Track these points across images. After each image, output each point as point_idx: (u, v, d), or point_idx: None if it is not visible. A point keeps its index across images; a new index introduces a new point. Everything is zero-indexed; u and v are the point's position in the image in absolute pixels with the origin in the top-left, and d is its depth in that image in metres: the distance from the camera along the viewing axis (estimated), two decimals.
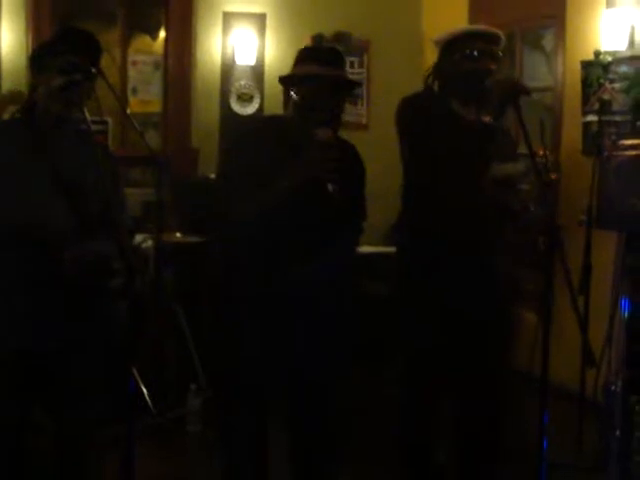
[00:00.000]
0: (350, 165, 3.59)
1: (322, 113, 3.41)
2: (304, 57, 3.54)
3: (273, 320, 3.53)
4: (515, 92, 3.65)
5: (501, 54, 3.98)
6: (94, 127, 3.26)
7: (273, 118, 3.84)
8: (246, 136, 3.72)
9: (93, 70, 3.24)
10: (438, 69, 4.06)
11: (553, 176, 6.07)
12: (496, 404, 4.08)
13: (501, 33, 3.99)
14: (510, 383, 4.23)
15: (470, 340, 3.96)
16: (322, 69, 3.43)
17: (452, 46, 3.96)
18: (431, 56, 6.94)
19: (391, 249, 6.75)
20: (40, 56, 3.30)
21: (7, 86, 6.72)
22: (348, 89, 3.68)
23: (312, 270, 3.51)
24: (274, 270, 3.50)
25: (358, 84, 3.87)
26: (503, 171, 3.77)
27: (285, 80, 3.56)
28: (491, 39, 3.95)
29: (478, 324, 3.95)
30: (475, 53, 3.89)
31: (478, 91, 3.83)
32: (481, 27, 4.04)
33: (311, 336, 3.58)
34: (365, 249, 6.82)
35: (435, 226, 3.94)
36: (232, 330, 3.65)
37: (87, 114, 3.18)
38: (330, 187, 3.32)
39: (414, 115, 3.97)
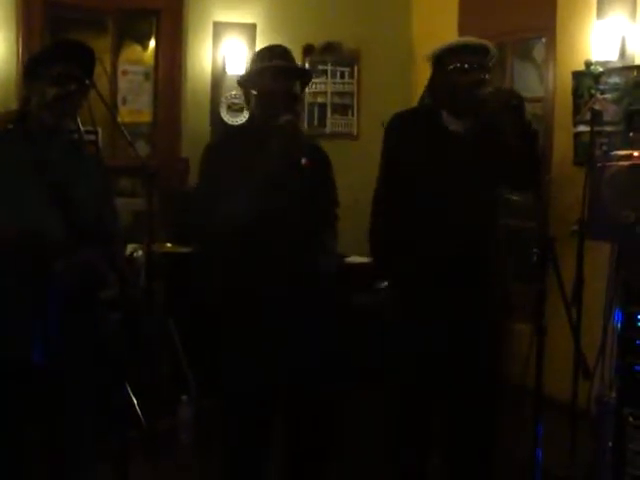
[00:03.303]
0: (313, 157, 3.74)
1: (281, 97, 3.69)
2: (260, 56, 3.84)
3: (264, 322, 3.63)
4: (511, 101, 3.69)
5: (491, 64, 3.99)
6: (85, 137, 3.25)
7: (235, 127, 4.08)
8: (214, 149, 3.97)
9: (87, 81, 3.23)
10: (431, 83, 4.09)
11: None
12: (487, 416, 4.09)
13: (490, 44, 3.99)
14: (501, 395, 4.22)
15: (461, 352, 3.96)
16: (272, 62, 3.75)
17: (442, 60, 3.98)
18: (422, 66, 6.97)
19: None
20: (34, 66, 3.29)
21: None
22: (299, 76, 3.87)
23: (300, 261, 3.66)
24: (265, 265, 3.63)
25: (307, 71, 4.02)
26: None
27: (244, 81, 3.86)
28: (480, 51, 3.96)
29: (469, 337, 3.95)
30: (465, 66, 3.90)
31: (470, 103, 3.86)
32: (470, 39, 4.04)
33: (303, 337, 3.68)
34: (353, 259, 6.82)
35: (419, 240, 3.97)
36: (226, 337, 3.76)
37: (80, 125, 3.18)
38: (303, 160, 3.53)
39: (387, 132, 4.12)
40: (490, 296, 4.02)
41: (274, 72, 3.74)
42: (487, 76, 3.92)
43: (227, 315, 3.77)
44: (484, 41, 3.99)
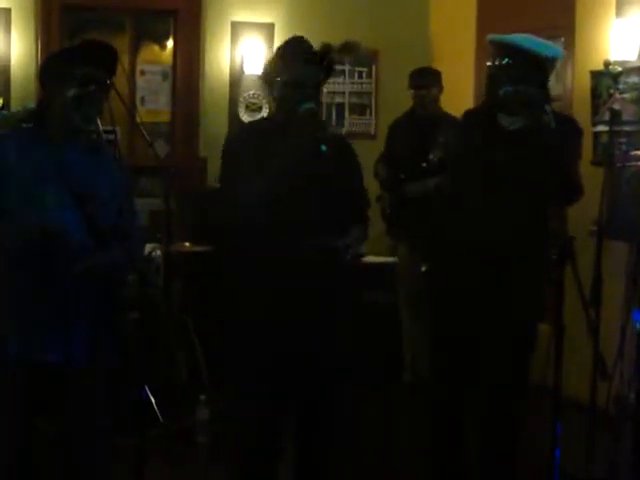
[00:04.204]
0: (340, 152, 3.79)
1: (307, 86, 3.71)
2: (283, 49, 3.85)
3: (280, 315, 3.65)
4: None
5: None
6: (104, 137, 3.26)
7: (258, 120, 4.07)
8: (235, 140, 3.95)
9: (108, 81, 3.24)
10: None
11: None
12: (512, 415, 4.11)
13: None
14: (525, 395, 4.23)
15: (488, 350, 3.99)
16: (302, 53, 3.77)
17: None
18: (439, 66, 6.98)
19: (393, 259, 6.81)
20: (54, 66, 3.30)
21: (16, 96, 6.73)
22: (327, 72, 3.89)
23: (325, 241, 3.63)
24: (288, 244, 3.62)
25: (331, 66, 4.03)
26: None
27: (266, 71, 3.87)
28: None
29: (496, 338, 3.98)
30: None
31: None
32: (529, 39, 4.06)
33: (321, 327, 3.70)
34: (368, 259, 6.82)
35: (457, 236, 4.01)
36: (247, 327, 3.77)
37: (100, 124, 3.18)
38: (323, 147, 3.53)
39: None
40: (529, 297, 4.03)
41: (305, 61, 3.75)
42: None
43: (244, 306, 3.78)
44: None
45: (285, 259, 3.61)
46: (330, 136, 3.73)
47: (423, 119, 6.37)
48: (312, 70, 3.75)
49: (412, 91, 6.53)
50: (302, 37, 3.90)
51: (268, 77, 3.86)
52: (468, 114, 4.28)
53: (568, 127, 3.97)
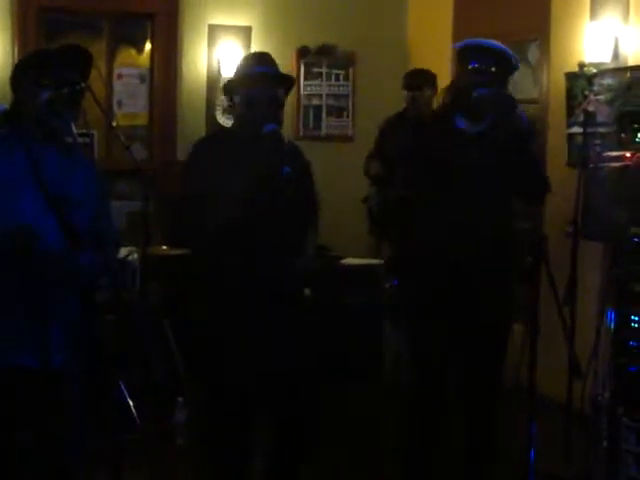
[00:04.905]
0: (294, 160, 3.82)
1: (264, 105, 3.75)
2: (245, 63, 3.90)
3: (247, 322, 3.71)
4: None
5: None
6: (80, 140, 3.26)
7: (220, 131, 4.10)
8: (197, 152, 4.02)
9: (82, 84, 3.24)
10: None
11: None
12: (492, 415, 4.15)
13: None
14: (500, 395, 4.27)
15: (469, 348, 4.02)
16: (262, 68, 3.80)
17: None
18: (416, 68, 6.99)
19: (374, 261, 6.83)
20: (27, 68, 3.29)
21: None
22: (287, 85, 3.95)
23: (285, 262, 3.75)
24: (250, 265, 3.71)
25: (289, 77, 4.08)
26: None
27: (232, 84, 3.90)
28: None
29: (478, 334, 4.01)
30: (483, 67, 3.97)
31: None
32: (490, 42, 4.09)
33: (287, 332, 3.77)
34: (349, 261, 6.83)
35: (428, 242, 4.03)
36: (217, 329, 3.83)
37: (74, 127, 3.18)
38: (286, 169, 3.60)
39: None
40: (499, 297, 4.06)
41: (256, 79, 3.78)
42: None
43: (213, 313, 3.84)
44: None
45: (250, 273, 3.71)
46: (289, 153, 3.78)
47: (414, 120, 6.40)
48: (270, 87, 3.78)
49: (405, 92, 6.56)
50: (263, 54, 3.94)
51: (228, 93, 3.92)
52: (422, 119, 4.31)
53: (532, 127, 4.03)
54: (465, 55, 4.06)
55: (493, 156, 3.93)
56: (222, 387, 3.82)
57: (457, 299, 3.96)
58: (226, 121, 7.38)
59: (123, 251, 5.53)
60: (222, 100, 7.44)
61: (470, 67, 3.99)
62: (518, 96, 6.55)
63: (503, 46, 4.04)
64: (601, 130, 5.71)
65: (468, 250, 3.93)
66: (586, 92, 5.87)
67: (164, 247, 6.16)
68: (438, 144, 3.97)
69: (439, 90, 6.40)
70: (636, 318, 4.39)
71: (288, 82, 3.98)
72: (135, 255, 5.67)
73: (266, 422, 3.91)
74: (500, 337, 4.13)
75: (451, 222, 3.95)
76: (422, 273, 4.10)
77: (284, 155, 3.65)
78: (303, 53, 7.64)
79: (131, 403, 5.21)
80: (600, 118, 5.72)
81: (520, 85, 7.22)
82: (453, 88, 4.16)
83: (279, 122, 3.77)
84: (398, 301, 4.30)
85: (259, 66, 3.81)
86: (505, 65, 4.02)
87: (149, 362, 5.60)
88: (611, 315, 4.45)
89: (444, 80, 7.25)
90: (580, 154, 5.52)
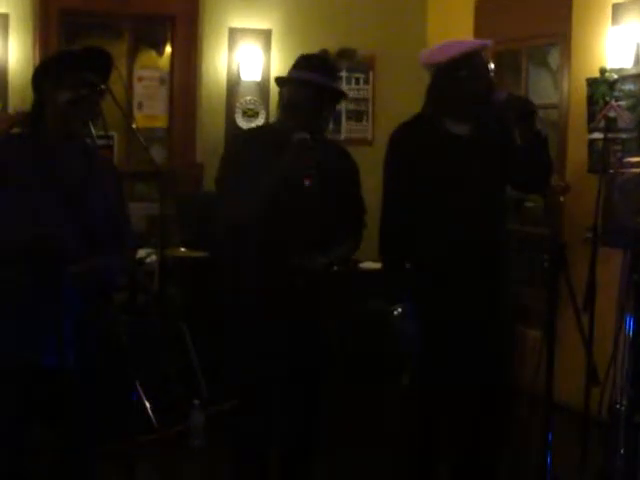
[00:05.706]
0: (335, 164, 3.79)
1: (303, 114, 3.64)
2: (297, 63, 3.79)
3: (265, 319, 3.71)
4: (525, 109, 3.74)
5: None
6: (99, 142, 3.27)
7: (263, 126, 4.07)
8: (236, 143, 4.05)
9: (102, 86, 3.25)
10: (434, 90, 4.20)
11: (562, 198, 6.08)
12: (494, 420, 4.10)
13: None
14: (510, 400, 4.23)
15: (470, 355, 3.97)
16: (309, 74, 3.68)
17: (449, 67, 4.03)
18: None
19: None
20: (49, 69, 3.30)
21: (15, 101, 6.73)
22: (333, 97, 3.84)
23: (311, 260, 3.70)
24: (271, 265, 3.69)
25: (343, 94, 3.99)
26: None
27: (278, 81, 3.85)
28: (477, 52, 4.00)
29: (478, 340, 3.96)
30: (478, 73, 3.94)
31: (483, 109, 3.91)
32: (467, 44, 4.09)
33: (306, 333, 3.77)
34: (366, 265, 6.82)
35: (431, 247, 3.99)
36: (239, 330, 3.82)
37: (93, 129, 3.19)
38: (307, 183, 3.58)
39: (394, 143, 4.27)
40: (499, 297, 4.02)
41: (298, 84, 3.70)
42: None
43: (232, 311, 3.84)
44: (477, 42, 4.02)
45: (272, 273, 3.69)
46: (335, 155, 3.76)
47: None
48: (313, 99, 3.66)
49: None
50: (319, 58, 3.81)
51: (279, 86, 3.84)
52: (407, 125, 4.24)
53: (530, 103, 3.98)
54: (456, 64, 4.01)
55: (487, 157, 3.92)
56: (242, 388, 3.82)
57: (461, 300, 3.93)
58: (245, 124, 7.39)
59: (141, 253, 5.55)
60: (242, 103, 7.47)
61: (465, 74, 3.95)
62: (539, 101, 6.60)
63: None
64: (622, 136, 5.70)
65: (471, 266, 3.90)
66: (607, 98, 5.84)
67: (182, 249, 6.17)
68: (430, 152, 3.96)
69: None
70: None
71: (335, 94, 3.86)
72: (153, 257, 5.68)
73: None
74: (504, 345, 4.08)
75: (452, 239, 3.91)
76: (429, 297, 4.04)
77: (309, 166, 3.58)
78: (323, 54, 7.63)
79: (148, 405, 5.23)
80: (621, 124, 5.70)
81: (541, 90, 7.23)
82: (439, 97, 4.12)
83: (313, 130, 3.64)
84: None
85: (308, 71, 3.70)
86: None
87: (166, 364, 5.61)
88: (630, 322, 4.43)
89: None
90: (601, 160, 5.50)
